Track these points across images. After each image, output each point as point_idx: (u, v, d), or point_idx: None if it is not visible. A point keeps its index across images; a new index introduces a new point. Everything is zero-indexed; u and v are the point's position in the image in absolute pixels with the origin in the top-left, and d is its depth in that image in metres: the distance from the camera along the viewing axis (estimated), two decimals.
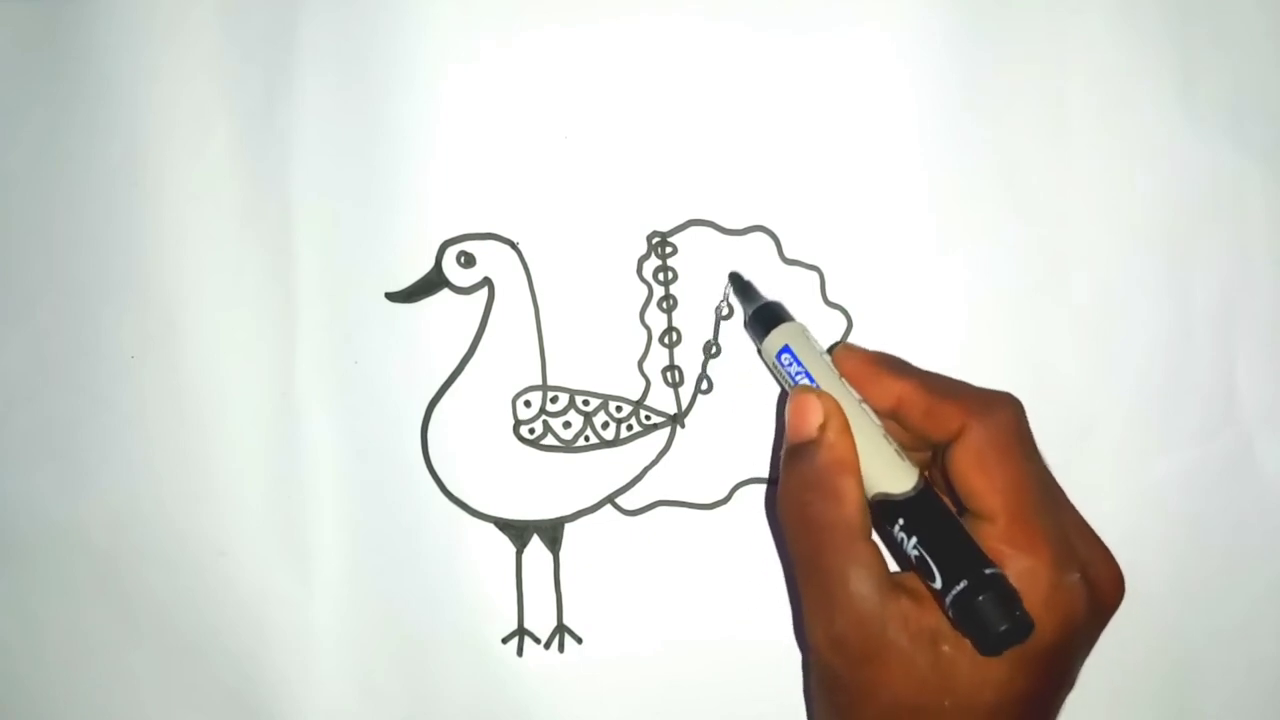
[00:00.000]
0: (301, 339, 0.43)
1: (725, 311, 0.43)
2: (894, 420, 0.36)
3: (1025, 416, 0.34)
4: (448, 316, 0.43)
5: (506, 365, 0.43)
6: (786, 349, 0.37)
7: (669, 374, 0.43)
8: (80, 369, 0.44)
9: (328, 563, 0.43)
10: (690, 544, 0.43)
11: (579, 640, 0.43)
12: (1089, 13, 0.43)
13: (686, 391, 0.43)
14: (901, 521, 0.33)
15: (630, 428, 0.43)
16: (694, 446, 0.43)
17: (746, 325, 0.41)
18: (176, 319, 0.43)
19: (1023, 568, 0.31)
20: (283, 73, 0.43)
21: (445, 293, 0.43)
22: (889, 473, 0.33)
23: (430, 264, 0.43)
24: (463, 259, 0.43)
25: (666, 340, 0.43)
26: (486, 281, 0.43)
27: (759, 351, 0.40)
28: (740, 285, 0.42)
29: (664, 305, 0.43)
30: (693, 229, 0.43)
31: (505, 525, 0.43)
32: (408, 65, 0.43)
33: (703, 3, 0.43)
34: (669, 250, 0.43)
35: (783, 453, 0.35)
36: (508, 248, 0.43)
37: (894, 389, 0.35)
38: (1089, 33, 0.43)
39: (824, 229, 0.43)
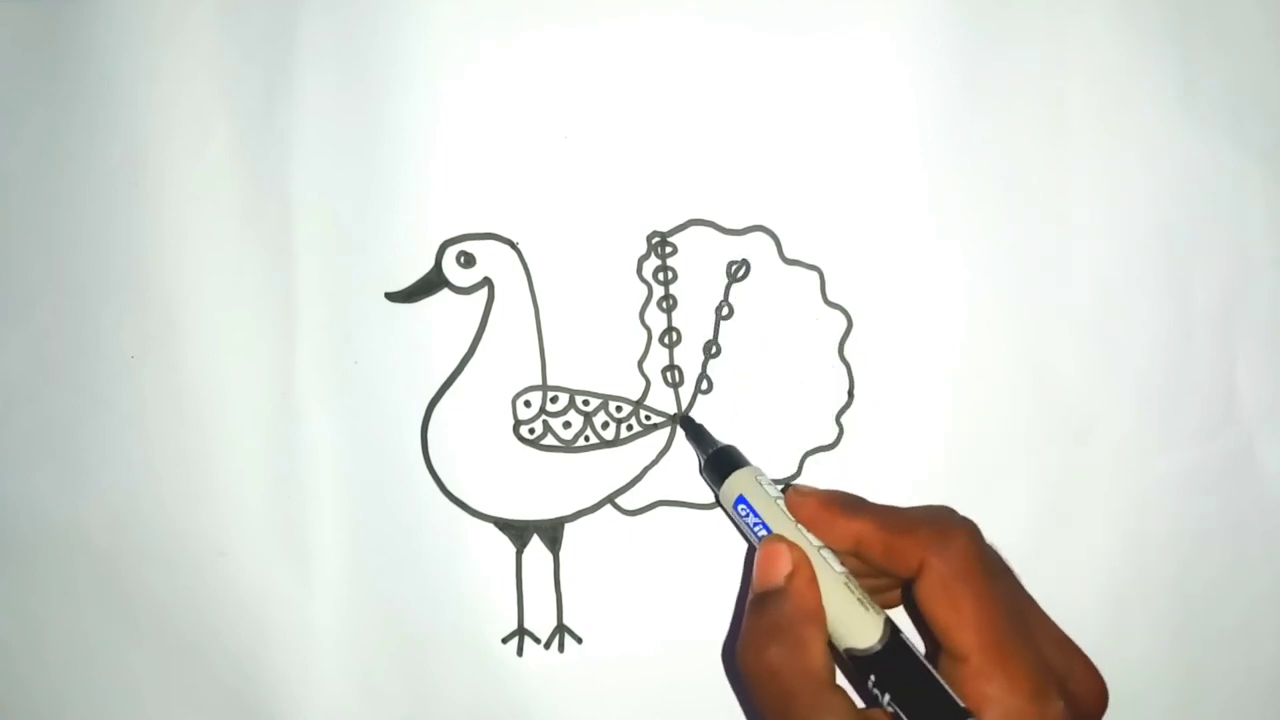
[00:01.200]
0: (301, 339, 0.43)
1: (725, 311, 0.43)
2: (856, 559, 0.35)
3: (981, 538, 0.34)
4: (448, 316, 0.43)
5: (506, 365, 0.43)
6: (742, 499, 0.37)
7: (669, 374, 0.43)
8: (80, 369, 0.44)
9: (328, 563, 0.43)
10: (690, 544, 0.43)
11: (579, 640, 0.43)
12: (1089, 13, 0.43)
13: (686, 391, 0.43)
14: (873, 677, 0.32)
15: (630, 428, 0.43)
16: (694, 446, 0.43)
17: (701, 472, 0.41)
18: (176, 319, 0.43)
19: (1006, 707, 0.30)
20: (283, 73, 0.43)
21: (445, 293, 0.43)
22: (855, 625, 0.33)
23: (430, 264, 0.43)
24: (463, 259, 0.43)
25: (666, 340, 0.43)
26: (486, 281, 0.43)
27: (716, 499, 0.40)
28: (692, 430, 0.42)
29: (664, 305, 0.43)
30: (693, 229, 0.43)
31: (505, 525, 0.43)
32: (408, 65, 0.43)
33: (703, 3, 0.43)
34: (669, 250, 0.43)
35: (748, 601, 0.34)
36: (508, 248, 0.43)
37: (850, 530, 0.35)
38: (1089, 33, 0.43)
39: (824, 229, 0.43)
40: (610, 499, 0.43)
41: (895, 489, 0.43)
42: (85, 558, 0.44)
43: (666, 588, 0.43)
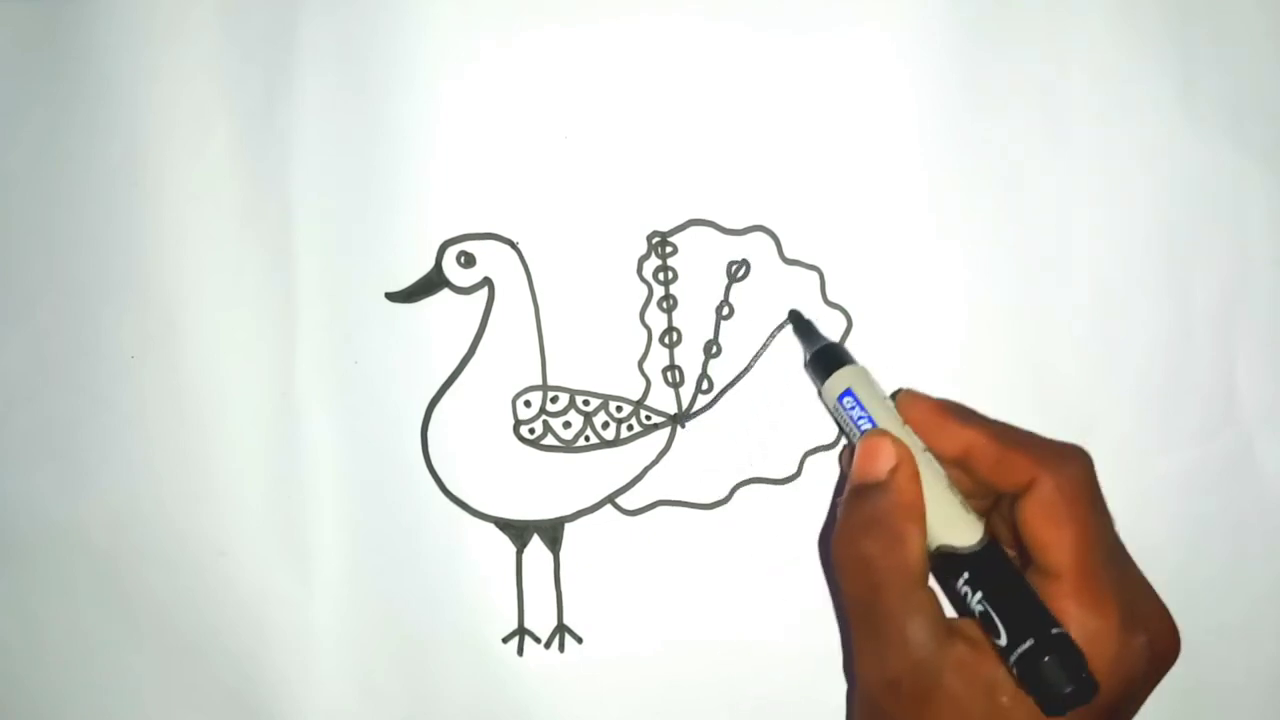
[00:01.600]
0: (301, 339, 0.43)
1: (725, 311, 0.43)
2: (960, 469, 0.35)
3: (1094, 471, 0.34)
4: (448, 316, 0.43)
5: (506, 365, 0.43)
6: (849, 392, 0.37)
7: (669, 374, 0.43)
8: (80, 369, 0.44)
9: (328, 563, 0.43)
10: (690, 544, 0.43)
11: (579, 640, 0.43)
12: (1089, 13, 0.43)
13: (686, 391, 0.43)
14: (966, 575, 0.32)
15: (630, 428, 0.43)
16: (694, 446, 0.43)
17: (806, 366, 0.41)
18: (176, 319, 0.43)
19: (1090, 629, 0.31)
20: (283, 73, 0.43)
21: (445, 293, 0.43)
22: (955, 525, 0.33)
23: (430, 264, 0.43)
24: (463, 259, 0.43)
25: (666, 340, 0.43)
26: (486, 281, 0.43)
27: (819, 393, 0.40)
28: (801, 325, 0.42)
29: (664, 305, 0.43)
30: (693, 229, 0.43)
31: (505, 525, 0.43)
32: (408, 65, 0.43)
33: (703, 3, 0.43)
34: (669, 250, 0.43)
35: (845, 492, 0.35)
36: (508, 248, 0.43)
37: (962, 437, 0.35)
38: (1089, 33, 0.43)
39: (824, 229, 0.43)
40: (610, 499, 0.43)
41: None
42: (85, 558, 0.44)
43: (666, 588, 0.43)
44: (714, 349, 0.43)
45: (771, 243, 0.43)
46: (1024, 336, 0.43)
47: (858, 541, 0.33)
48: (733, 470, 0.43)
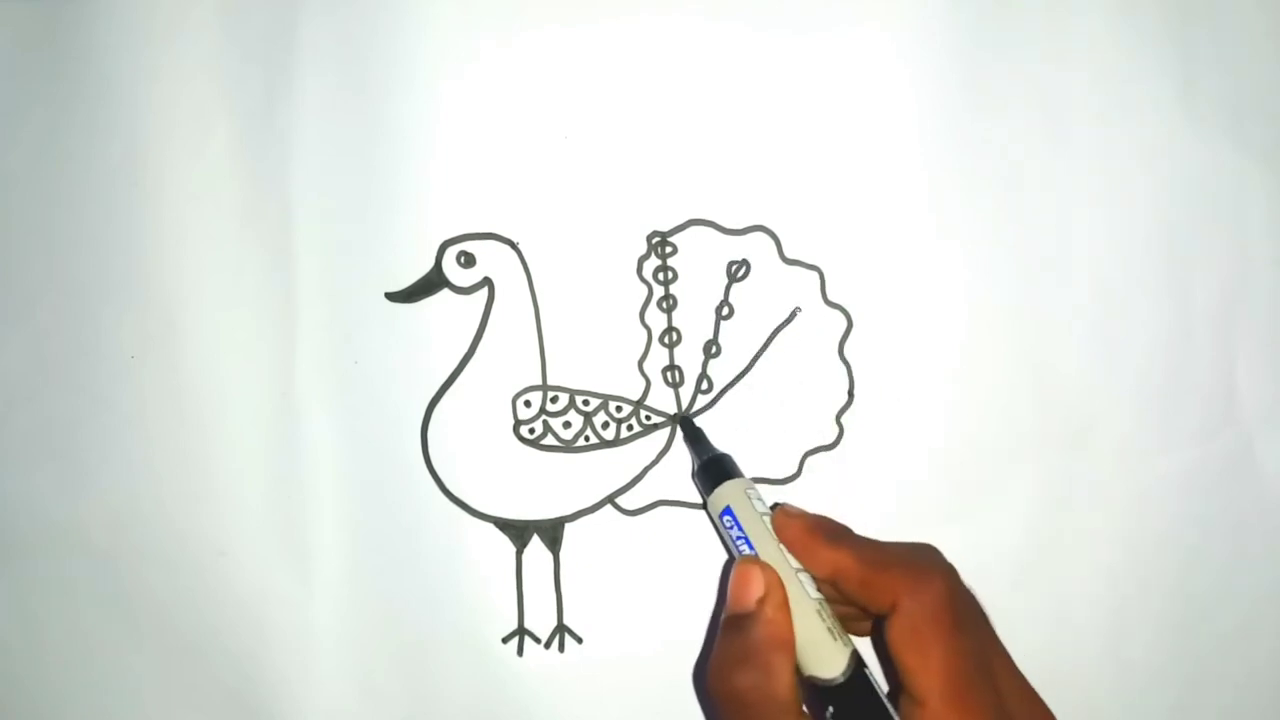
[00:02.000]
0: (301, 339, 0.43)
1: (725, 311, 0.43)
2: (832, 588, 0.35)
3: (959, 584, 0.33)
4: (448, 316, 0.43)
5: (506, 365, 0.43)
6: (728, 510, 0.37)
7: (669, 374, 0.43)
8: (80, 369, 0.44)
9: (328, 563, 0.43)
10: (690, 544, 0.43)
11: (579, 640, 0.43)
12: (1089, 13, 0.43)
13: (686, 391, 0.43)
14: (831, 709, 0.32)
15: (630, 428, 0.43)
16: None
17: (693, 476, 0.41)
18: (176, 319, 0.43)
19: None
20: (283, 73, 0.43)
21: (445, 293, 0.43)
22: (821, 653, 0.33)
23: (430, 264, 0.43)
24: (463, 259, 0.43)
25: (666, 340, 0.43)
26: (486, 281, 0.43)
27: (704, 505, 0.40)
28: (691, 433, 0.42)
29: (664, 305, 0.43)
30: (693, 229, 0.43)
31: (505, 525, 0.43)
32: (408, 65, 0.43)
33: (703, 3, 0.43)
34: (669, 250, 0.43)
35: (720, 622, 0.35)
36: (508, 248, 0.43)
37: (830, 560, 0.34)
38: (1089, 33, 0.43)
39: (824, 229, 0.43)
40: (610, 499, 0.43)
41: (895, 489, 0.43)
42: (85, 558, 0.44)
43: (667, 588, 0.43)
44: (714, 349, 0.43)
45: (771, 243, 0.43)
46: (1024, 336, 0.43)
47: (730, 674, 0.33)
48: None
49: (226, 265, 0.43)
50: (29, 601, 0.44)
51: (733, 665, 0.33)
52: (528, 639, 0.43)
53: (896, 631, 0.32)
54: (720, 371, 0.43)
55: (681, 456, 0.43)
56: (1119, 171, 0.43)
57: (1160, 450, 0.44)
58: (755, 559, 0.35)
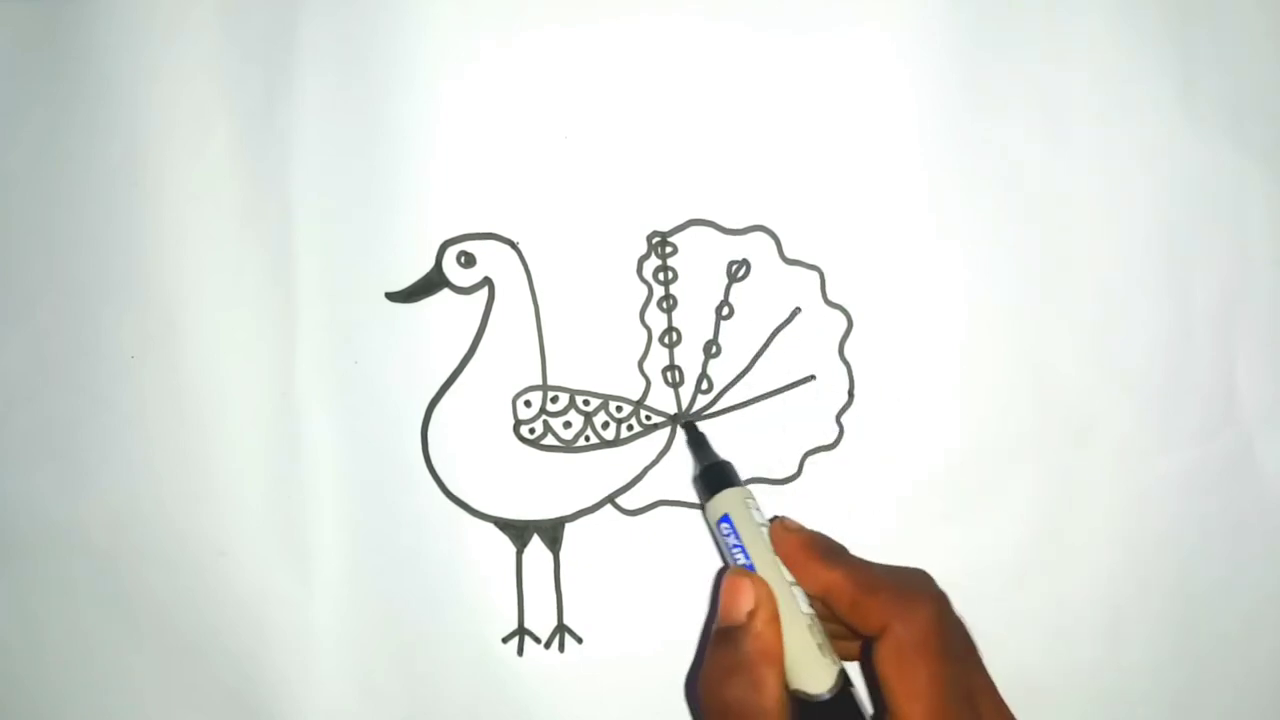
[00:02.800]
0: (301, 339, 0.43)
1: (725, 311, 0.43)
2: (823, 606, 0.35)
3: (948, 610, 0.33)
4: (448, 316, 0.43)
5: (506, 365, 0.43)
6: (726, 518, 0.37)
7: (669, 374, 0.43)
8: (80, 369, 0.44)
9: (328, 563, 0.43)
10: (690, 544, 0.43)
11: (579, 640, 0.43)
12: (1089, 13, 0.43)
13: (687, 391, 0.43)
14: None
15: (630, 428, 0.43)
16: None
17: (694, 482, 0.41)
18: (176, 319, 0.43)
19: None
20: (283, 73, 0.43)
21: (445, 293, 0.43)
22: (809, 669, 0.33)
23: (430, 264, 0.43)
24: (463, 259, 0.43)
25: (666, 340, 0.43)
26: (486, 281, 0.43)
27: (702, 510, 0.40)
28: (693, 437, 0.42)
29: (664, 305, 0.43)
30: (693, 229, 0.43)
31: (505, 525, 0.43)
32: (408, 65, 0.43)
33: (703, 3, 0.43)
34: (669, 250, 0.43)
35: (711, 633, 0.35)
36: (508, 248, 0.43)
37: (823, 578, 0.34)
38: (1089, 33, 0.43)
39: (824, 229, 0.43)
40: (610, 499, 0.43)
41: (895, 489, 0.43)
42: (85, 558, 0.44)
43: (667, 588, 0.43)
44: (714, 349, 0.43)
45: (771, 243, 0.43)
46: (1024, 336, 0.43)
47: (720, 685, 0.33)
48: None
49: (226, 265, 0.43)
50: (29, 601, 0.44)
51: (722, 677, 0.33)
52: (528, 639, 0.43)
53: (884, 655, 0.32)
54: (720, 371, 0.43)
55: (682, 457, 0.43)
56: (1119, 171, 0.43)
57: (1160, 450, 0.44)
58: (744, 571, 0.35)
